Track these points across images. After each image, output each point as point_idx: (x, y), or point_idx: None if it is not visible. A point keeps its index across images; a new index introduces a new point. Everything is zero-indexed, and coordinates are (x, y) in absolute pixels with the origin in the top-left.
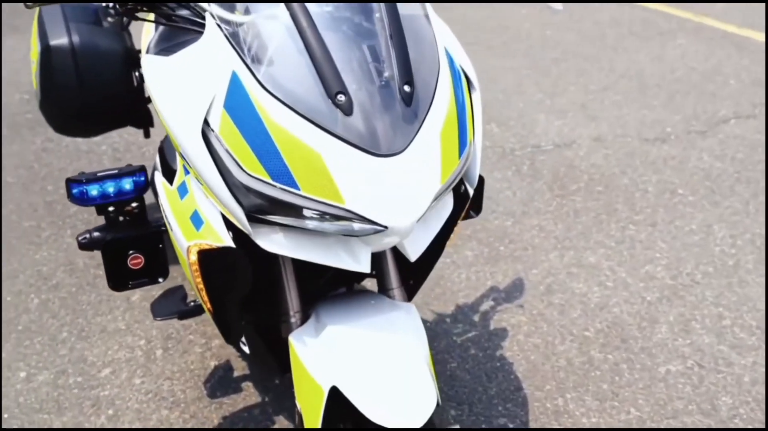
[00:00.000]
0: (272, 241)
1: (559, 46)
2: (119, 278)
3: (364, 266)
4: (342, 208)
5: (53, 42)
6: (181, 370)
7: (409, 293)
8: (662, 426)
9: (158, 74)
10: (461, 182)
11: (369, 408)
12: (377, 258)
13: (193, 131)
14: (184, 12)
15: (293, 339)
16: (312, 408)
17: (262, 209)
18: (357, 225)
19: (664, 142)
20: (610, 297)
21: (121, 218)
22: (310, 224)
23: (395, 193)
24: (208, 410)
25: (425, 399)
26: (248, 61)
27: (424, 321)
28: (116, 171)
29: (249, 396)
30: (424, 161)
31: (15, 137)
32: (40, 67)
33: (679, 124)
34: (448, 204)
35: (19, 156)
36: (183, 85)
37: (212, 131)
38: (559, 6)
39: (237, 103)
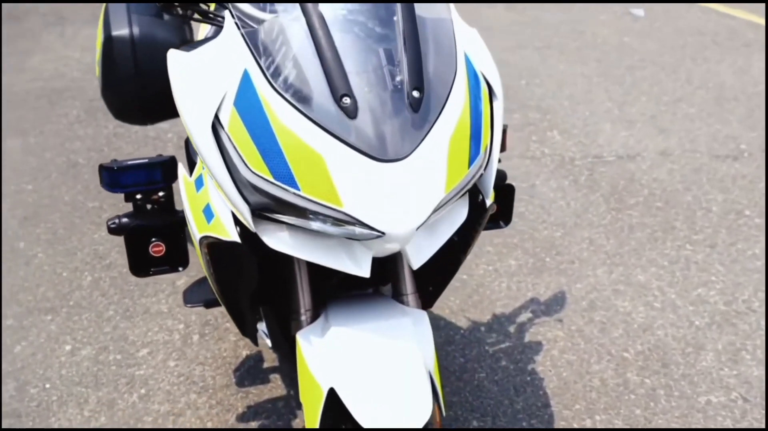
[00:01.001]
0: (277, 239)
1: (636, 53)
2: (140, 265)
3: (365, 271)
4: (340, 211)
5: (115, 32)
6: (214, 357)
7: (429, 300)
8: None
9: (178, 68)
10: (478, 191)
11: (360, 412)
12: (392, 263)
13: (203, 126)
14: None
15: (300, 337)
16: (312, 408)
17: (268, 207)
18: (358, 229)
19: (735, 159)
20: (655, 319)
21: (148, 206)
22: (314, 225)
23: (395, 199)
24: (234, 398)
25: (419, 408)
26: (260, 60)
27: (457, 328)
28: (146, 161)
29: (275, 388)
30: (428, 169)
31: (90, 121)
32: (102, 56)
33: (754, 141)
34: (459, 214)
35: (93, 139)
36: (198, 80)
37: (222, 127)
38: (640, 12)
39: (246, 101)
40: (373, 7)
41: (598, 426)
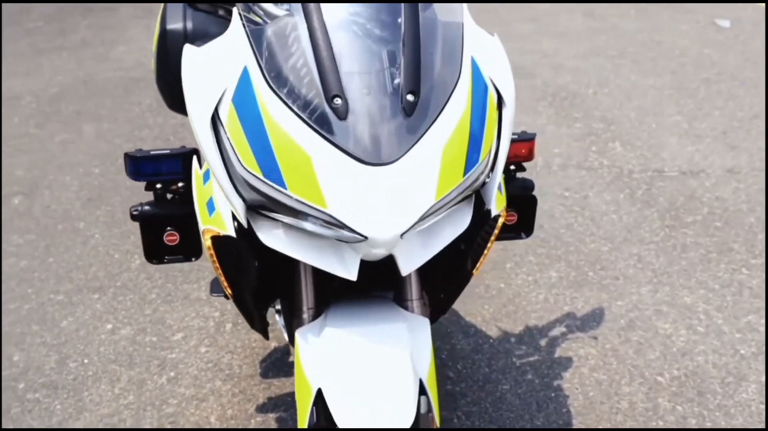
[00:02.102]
0: (272, 236)
1: (715, 66)
2: (154, 252)
3: (351, 274)
4: (325, 212)
5: (170, 26)
6: (243, 346)
7: (440, 308)
8: None
9: (187, 63)
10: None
11: (339, 412)
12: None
13: (203, 121)
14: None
15: (298, 335)
16: (302, 407)
17: (263, 204)
18: (342, 232)
19: None
20: (697, 344)
21: (168, 196)
22: (306, 225)
23: (380, 203)
24: (257, 388)
25: (399, 413)
26: (260, 59)
27: (487, 337)
28: (168, 151)
29: None
30: (417, 174)
31: (161, 111)
32: (157, 48)
33: None
34: (460, 222)
35: (161, 128)
36: (202, 75)
37: (221, 122)
38: (726, 23)
39: (243, 98)
40: (377, 8)
41: None
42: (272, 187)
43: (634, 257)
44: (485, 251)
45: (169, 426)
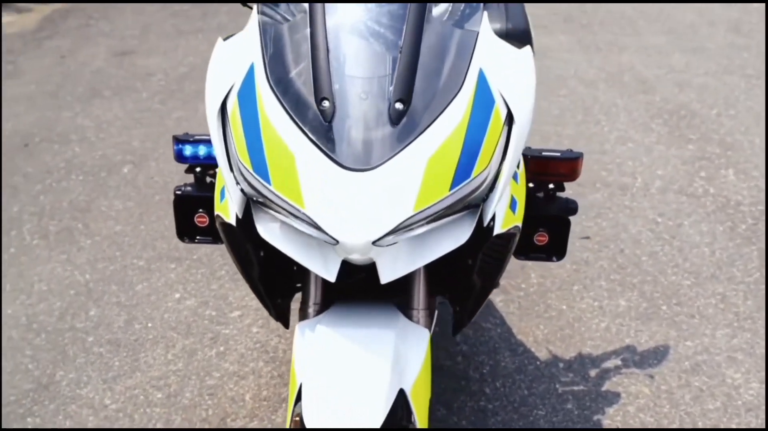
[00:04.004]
0: (268, 229)
1: None
2: (185, 231)
3: (331, 275)
4: (302, 212)
5: None
6: (293, 332)
7: (459, 322)
8: None
9: (213, 54)
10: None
11: (308, 409)
12: (409, 276)
13: (212, 112)
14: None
15: (297, 329)
16: (290, 402)
17: (258, 198)
18: (320, 233)
19: None
20: None
21: (208, 180)
22: (291, 222)
23: (355, 209)
24: None
25: (365, 417)
26: (265, 56)
27: (534, 359)
28: (209, 137)
29: None
30: (396, 184)
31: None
32: None
33: None
34: (457, 237)
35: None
36: (218, 67)
37: (227, 115)
38: None
39: (246, 93)
40: (385, 12)
41: None
42: (259, 181)
43: (717, 296)
44: (500, 270)
45: (207, 398)
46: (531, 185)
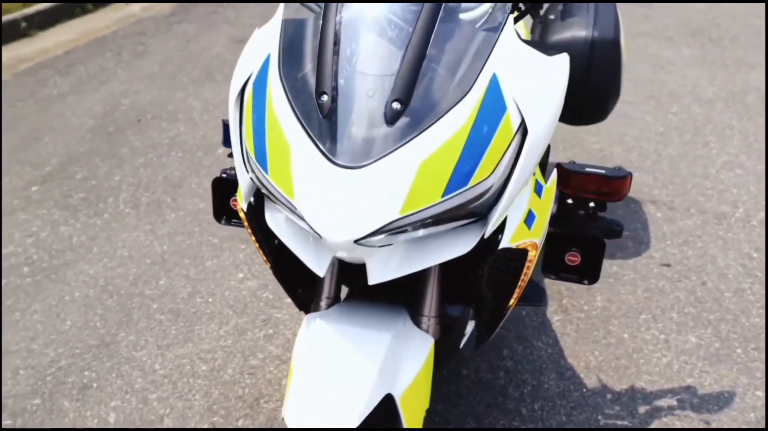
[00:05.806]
0: (273, 218)
1: None
2: (221, 213)
3: (320, 269)
4: (291, 203)
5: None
6: None
7: (479, 337)
8: None
9: (246, 44)
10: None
11: (291, 406)
12: (420, 282)
13: (231, 98)
14: None
15: (304, 321)
16: (286, 393)
17: (260, 186)
18: (305, 225)
19: None
20: None
21: None
22: (288, 213)
23: (340, 206)
24: None
25: (340, 418)
26: (281, 48)
27: (581, 386)
28: None
29: None
30: (385, 185)
31: None
32: None
33: None
34: (458, 246)
35: None
36: (243, 56)
37: (245, 103)
38: None
39: (260, 83)
40: (404, 10)
41: None
42: (258, 169)
43: None
44: (515, 287)
45: (247, 377)
46: (570, 201)
